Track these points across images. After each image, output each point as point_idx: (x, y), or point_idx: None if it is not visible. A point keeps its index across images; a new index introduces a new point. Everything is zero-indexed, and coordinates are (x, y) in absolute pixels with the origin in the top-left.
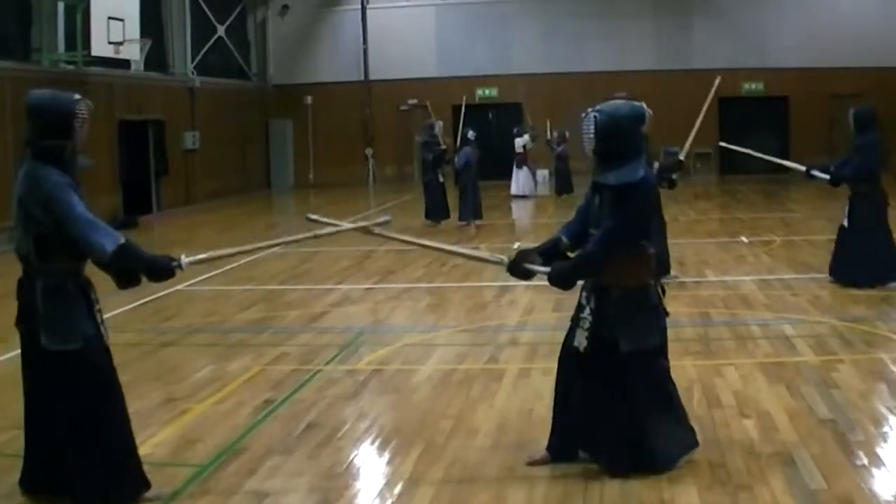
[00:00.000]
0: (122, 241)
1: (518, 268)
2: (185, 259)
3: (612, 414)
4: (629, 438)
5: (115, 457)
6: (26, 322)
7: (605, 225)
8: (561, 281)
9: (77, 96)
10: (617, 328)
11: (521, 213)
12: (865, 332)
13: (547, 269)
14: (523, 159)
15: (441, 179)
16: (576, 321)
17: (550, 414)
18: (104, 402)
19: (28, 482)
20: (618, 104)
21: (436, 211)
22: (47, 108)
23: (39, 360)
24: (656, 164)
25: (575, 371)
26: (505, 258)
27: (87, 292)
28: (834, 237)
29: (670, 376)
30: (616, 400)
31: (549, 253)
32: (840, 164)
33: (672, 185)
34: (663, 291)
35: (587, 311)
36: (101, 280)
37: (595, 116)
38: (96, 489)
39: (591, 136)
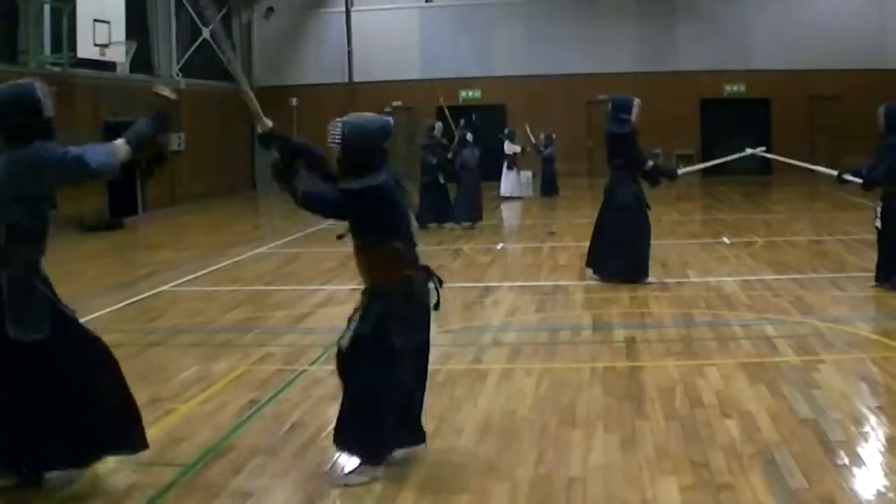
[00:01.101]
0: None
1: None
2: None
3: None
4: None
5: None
6: None
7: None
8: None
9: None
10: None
11: (511, 213)
12: (846, 333)
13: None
14: (513, 161)
15: (442, 181)
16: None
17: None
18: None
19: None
20: (368, 117)
21: (438, 213)
22: (12, 96)
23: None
24: (650, 164)
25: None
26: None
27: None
28: (815, 239)
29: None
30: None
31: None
32: (871, 167)
33: (655, 185)
34: (440, 282)
35: (358, 311)
36: (87, 280)
37: (342, 125)
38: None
39: (338, 143)
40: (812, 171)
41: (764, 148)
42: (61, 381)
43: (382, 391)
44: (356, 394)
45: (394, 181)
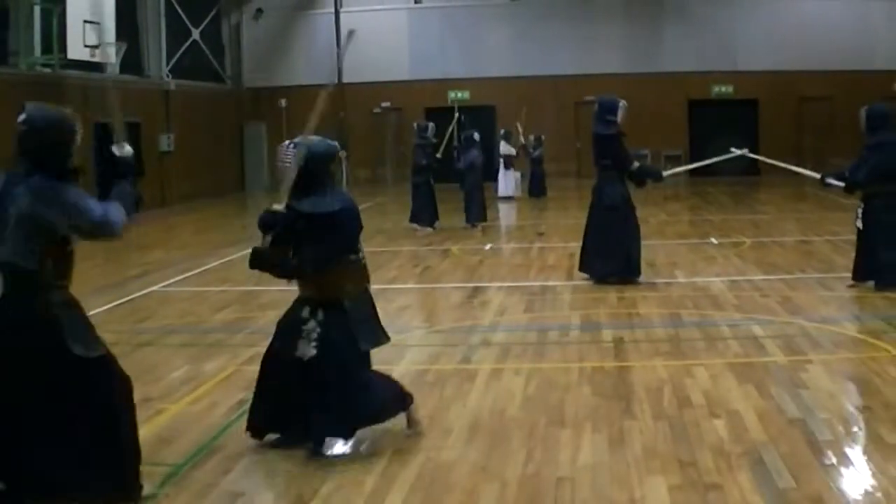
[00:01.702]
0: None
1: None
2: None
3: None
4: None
5: (125, 458)
6: (36, 335)
7: (307, 250)
8: (260, 263)
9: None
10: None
11: (501, 214)
12: (834, 333)
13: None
14: (510, 161)
15: (432, 182)
16: (296, 333)
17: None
18: (123, 404)
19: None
20: (315, 140)
21: (427, 214)
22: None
23: (62, 369)
24: (636, 165)
25: (298, 376)
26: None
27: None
28: (803, 239)
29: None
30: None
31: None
32: (853, 168)
33: (641, 185)
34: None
35: (312, 323)
36: (78, 281)
37: (293, 146)
38: (106, 489)
39: (288, 164)
40: (796, 173)
41: (747, 150)
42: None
43: (368, 386)
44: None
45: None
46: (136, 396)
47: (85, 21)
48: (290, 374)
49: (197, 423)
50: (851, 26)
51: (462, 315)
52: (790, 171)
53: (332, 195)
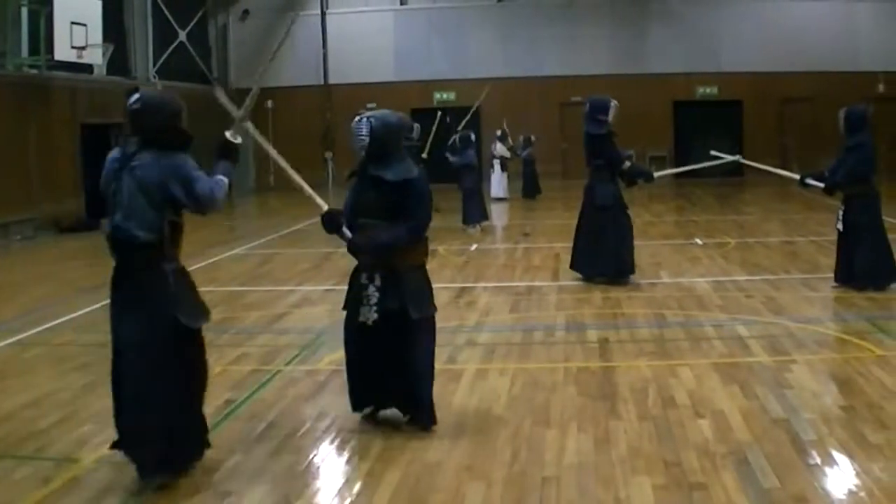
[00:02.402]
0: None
1: (332, 219)
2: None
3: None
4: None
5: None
6: (148, 304)
7: (407, 219)
8: (358, 250)
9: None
10: (408, 300)
11: (499, 214)
12: (818, 333)
13: (350, 235)
14: (505, 163)
15: None
16: (359, 300)
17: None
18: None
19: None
20: (388, 113)
21: None
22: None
23: (169, 338)
24: (627, 164)
25: (364, 341)
26: (325, 206)
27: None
28: (787, 240)
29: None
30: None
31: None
32: (833, 169)
33: (632, 185)
34: None
35: (372, 288)
36: (66, 281)
37: (370, 121)
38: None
39: (364, 136)
40: (777, 174)
41: (740, 157)
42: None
43: (429, 356)
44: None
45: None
46: None
47: (72, 22)
48: (361, 341)
49: None
50: (835, 28)
51: (448, 315)
52: (772, 172)
53: (408, 164)
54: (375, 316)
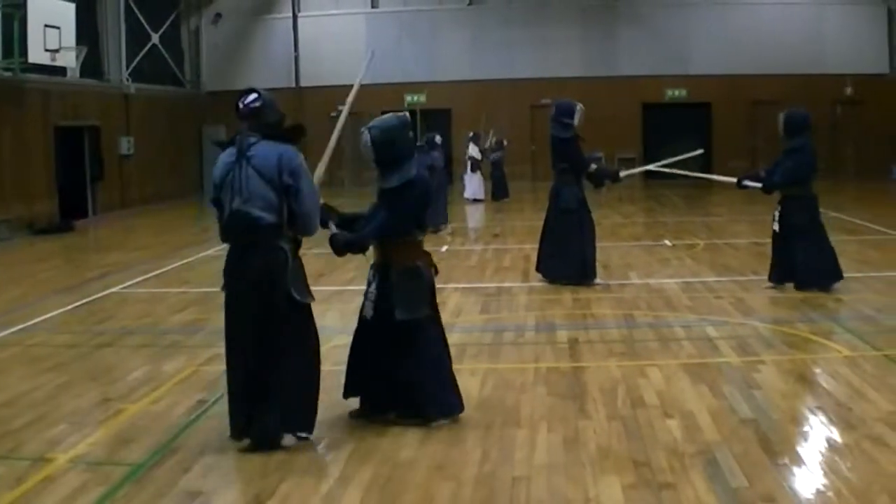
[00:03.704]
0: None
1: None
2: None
3: (396, 370)
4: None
5: (314, 397)
6: (268, 283)
7: (381, 214)
8: (331, 244)
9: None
10: (394, 300)
11: (472, 215)
12: (786, 334)
13: (334, 229)
14: (477, 164)
15: None
16: (365, 295)
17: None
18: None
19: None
20: (387, 118)
21: None
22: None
23: (284, 315)
24: (593, 166)
25: (364, 334)
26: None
27: None
28: (756, 241)
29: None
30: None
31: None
32: (770, 171)
33: (599, 186)
34: (436, 272)
35: (373, 285)
36: (38, 282)
37: (370, 132)
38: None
39: (370, 148)
40: (712, 180)
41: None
42: None
43: (442, 354)
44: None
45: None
46: (96, 396)
47: (45, 25)
48: (362, 333)
49: (156, 423)
50: (803, 31)
51: None
52: (709, 179)
53: (410, 165)
54: (371, 312)
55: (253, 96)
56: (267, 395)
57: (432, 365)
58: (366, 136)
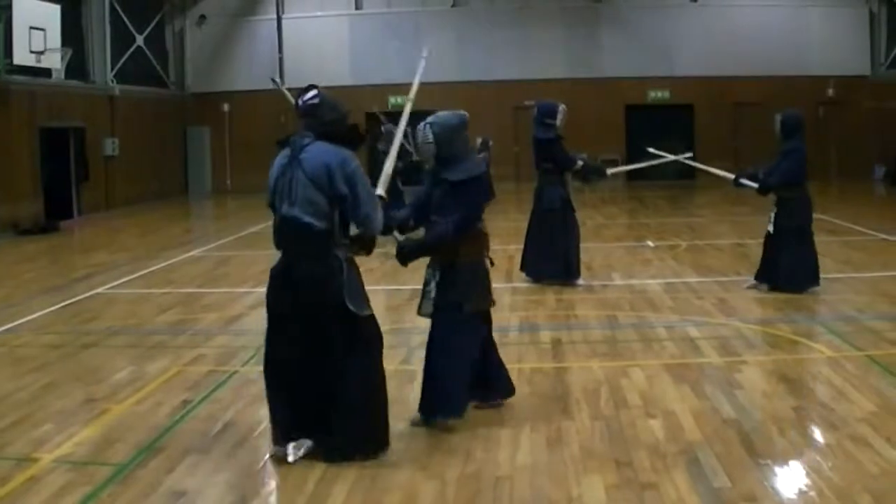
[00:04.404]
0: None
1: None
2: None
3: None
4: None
5: (381, 410)
6: (320, 294)
7: (452, 213)
8: (407, 253)
9: None
10: (461, 294)
11: None
12: (768, 334)
13: (400, 238)
14: None
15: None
16: (423, 294)
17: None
18: (380, 360)
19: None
20: (447, 116)
21: None
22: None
23: (340, 328)
24: (580, 163)
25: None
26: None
27: None
28: (738, 242)
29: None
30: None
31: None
32: (767, 172)
33: (587, 182)
34: (492, 263)
35: (433, 283)
36: (23, 283)
37: (432, 127)
38: (371, 436)
39: (431, 142)
40: (712, 173)
41: (690, 154)
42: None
43: (466, 351)
44: (444, 355)
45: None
46: (81, 396)
47: (31, 27)
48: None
49: (141, 424)
50: (786, 32)
51: (402, 316)
52: (710, 172)
53: (471, 162)
54: (431, 309)
55: (311, 93)
56: (325, 411)
57: (470, 353)
58: (427, 133)
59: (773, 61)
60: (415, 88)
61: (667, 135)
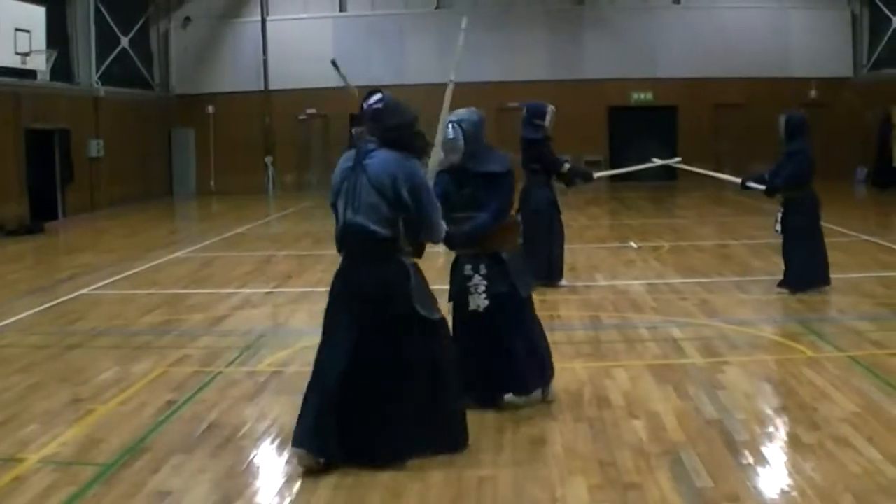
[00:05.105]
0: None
1: None
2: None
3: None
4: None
5: (456, 412)
6: (388, 300)
7: (490, 203)
8: (456, 241)
9: None
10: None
11: None
12: (750, 335)
13: (446, 226)
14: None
15: None
16: (465, 290)
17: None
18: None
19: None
20: (470, 113)
21: None
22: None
23: (409, 333)
24: (567, 166)
25: (477, 329)
26: None
27: None
28: (720, 243)
29: None
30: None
31: None
32: (773, 174)
33: (571, 185)
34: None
35: (478, 277)
36: (8, 283)
37: (461, 126)
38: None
39: (461, 140)
40: (718, 178)
41: (679, 159)
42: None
43: (537, 332)
44: (521, 340)
45: None
46: (67, 397)
47: (16, 29)
48: (474, 329)
49: (126, 424)
50: (768, 34)
51: None
52: (712, 176)
53: (500, 154)
54: (486, 303)
55: (376, 97)
56: (386, 413)
57: (541, 333)
58: (456, 131)
59: (756, 63)
60: (450, 91)
61: (649, 136)
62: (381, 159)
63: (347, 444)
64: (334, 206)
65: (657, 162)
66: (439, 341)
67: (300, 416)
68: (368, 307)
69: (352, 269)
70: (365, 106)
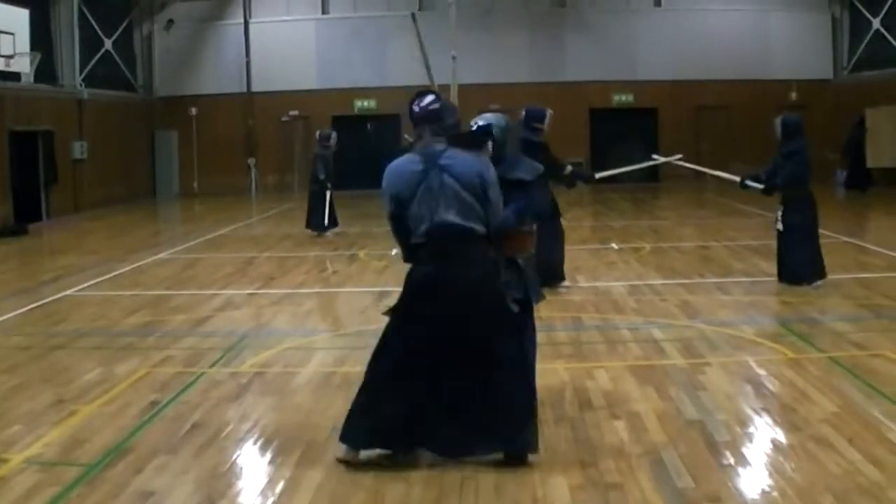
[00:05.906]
0: None
1: None
2: None
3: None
4: None
5: (532, 410)
6: (485, 296)
7: (516, 203)
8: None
9: None
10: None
11: None
12: (731, 336)
13: None
14: None
15: (326, 191)
16: None
17: None
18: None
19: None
20: (497, 119)
21: (315, 220)
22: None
23: (503, 327)
24: (569, 168)
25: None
26: None
27: None
28: (702, 244)
29: None
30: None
31: None
32: (770, 173)
33: (571, 186)
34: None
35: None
36: None
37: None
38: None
39: (490, 145)
40: (717, 177)
41: (680, 156)
42: None
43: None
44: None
45: None
46: (50, 398)
47: (0, 31)
48: None
49: (109, 425)
50: (749, 37)
51: (368, 318)
52: (694, 176)
53: (528, 160)
54: (516, 308)
55: (430, 97)
56: (467, 409)
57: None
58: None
59: (737, 65)
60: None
61: (631, 138)
62: (462, 159)
63: (431, 437)
64: (398, 217)
65: (659, 160)
66: (528, 332)
67: (362, 417)
68: (459, 303)
69: (443, 268)
70: (416, 108)
